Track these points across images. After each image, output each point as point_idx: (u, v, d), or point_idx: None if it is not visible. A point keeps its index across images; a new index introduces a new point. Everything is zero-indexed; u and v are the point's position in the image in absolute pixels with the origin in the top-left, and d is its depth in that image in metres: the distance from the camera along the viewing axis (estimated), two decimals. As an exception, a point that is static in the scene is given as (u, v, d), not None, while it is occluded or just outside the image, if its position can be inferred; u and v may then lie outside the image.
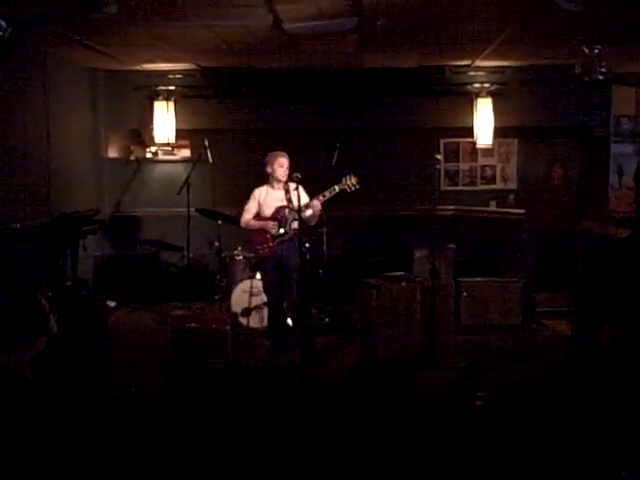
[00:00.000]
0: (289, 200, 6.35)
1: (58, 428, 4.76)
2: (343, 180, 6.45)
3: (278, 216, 6.49)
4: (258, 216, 6.63)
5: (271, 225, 6.49)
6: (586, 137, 9.14)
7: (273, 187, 6.55)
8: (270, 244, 6.50)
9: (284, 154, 6.53)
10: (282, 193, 6.43)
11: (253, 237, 6.68)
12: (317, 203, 6.36)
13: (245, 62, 8.34)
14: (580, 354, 6.13)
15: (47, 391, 5.25)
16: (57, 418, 4.89)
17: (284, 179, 6.44)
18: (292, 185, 6.26)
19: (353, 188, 6.46)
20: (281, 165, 6.46)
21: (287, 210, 6.43)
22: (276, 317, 6.70)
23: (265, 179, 6.63)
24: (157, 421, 5.06)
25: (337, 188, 6.40)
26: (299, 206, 5.75)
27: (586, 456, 4.37)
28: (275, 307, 6.68)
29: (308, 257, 7.29)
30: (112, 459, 4.41)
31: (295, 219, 6.16)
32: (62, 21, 6.12)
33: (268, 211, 6.56)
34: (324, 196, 6.38)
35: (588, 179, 9.15)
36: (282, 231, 6.45)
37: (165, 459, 4.45)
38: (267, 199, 6.58)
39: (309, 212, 6.35)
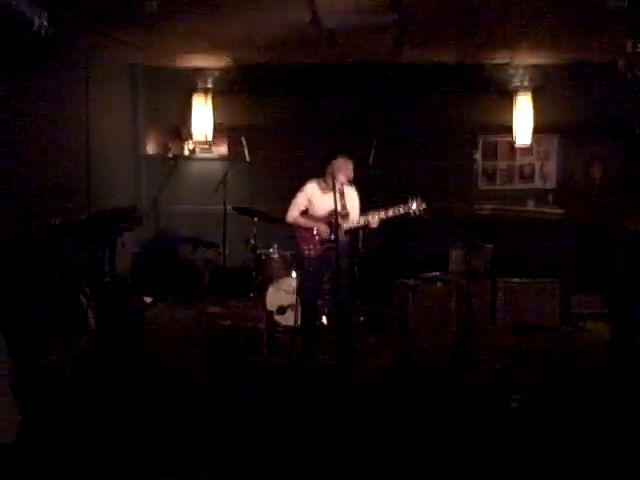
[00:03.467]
0: (344, 206, 6.07)
1: (97, 424, 4.81)
2: (409, 202, 6.10)
3: (332, 219, 6.05)
4: (306, 213, 6.38)
5: (323, 229, 6.23)
6: (628, 135, 8.97)
7: (328, 186, 6.17)
8: (317, 246, 6.28)
9: (349, 159, 6.26)
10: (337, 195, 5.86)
11: (299, 235, 6.38)
12: (376, 220, 6.13)
13: (282, 58, 8.33)
14: (619, 358, 6.04)
15: (85, 388, 5.31)
16: (95, 415, 4.95)
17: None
18: (346, 187, 6.20)
19: (418, 214, 6.13)
20: (348, 169, 6.22)
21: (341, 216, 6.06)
22: (309, 317, 6.55)
23: (305, 178, 6.46)
24: (192, 418, 5.09)
25: (402, 210, 6.10)
26: (339, 212, 5.68)
27: (622, 462, 4.30)
28: (309, 306, 6.54)
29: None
30: (148, 455, 4.46)
31: (347, 225, 6.12)
32: (102, 18, 6.18)
33: (320, 212, 6.28)
34: (386, 215, 6.12)
35: (630, 178, 8.98)
36: (334, 237, 6.00)
37: (199, 456, 4.48)
38: (320, 198, 6.29)
39: (362, 221, 6.20)
